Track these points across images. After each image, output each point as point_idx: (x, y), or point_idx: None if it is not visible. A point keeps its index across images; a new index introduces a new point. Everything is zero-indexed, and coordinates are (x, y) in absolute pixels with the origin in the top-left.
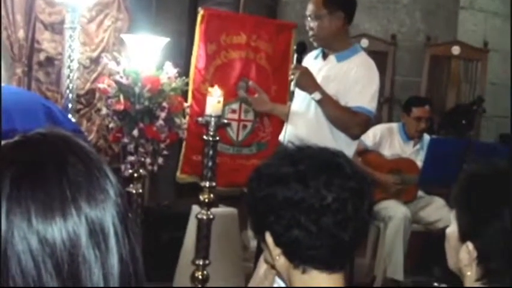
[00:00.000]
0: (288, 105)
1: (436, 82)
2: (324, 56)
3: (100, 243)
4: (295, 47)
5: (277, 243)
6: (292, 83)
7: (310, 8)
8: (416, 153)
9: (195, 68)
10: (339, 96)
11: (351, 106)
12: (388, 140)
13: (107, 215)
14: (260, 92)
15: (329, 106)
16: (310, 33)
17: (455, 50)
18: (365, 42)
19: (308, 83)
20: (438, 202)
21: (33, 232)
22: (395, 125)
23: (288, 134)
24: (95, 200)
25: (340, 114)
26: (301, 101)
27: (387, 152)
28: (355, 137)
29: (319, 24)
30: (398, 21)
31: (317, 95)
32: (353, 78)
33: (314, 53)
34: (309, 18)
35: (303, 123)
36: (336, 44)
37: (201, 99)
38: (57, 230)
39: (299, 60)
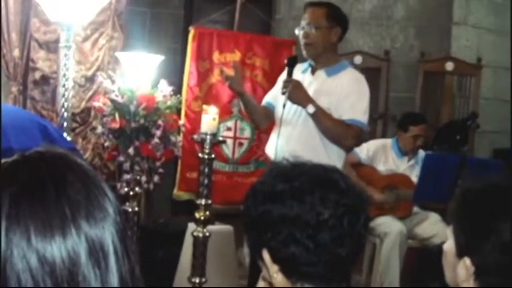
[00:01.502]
0: (279, 118)
1: (430, 98)
2: (313, 71)
3: (100, 262)
4: (285, 61)
5: (275, 260)
6: (285, 96)
7: (309, 17)
8: (411, 169)
9: (186, 86)
10: (332, 110)
11: (345, 119)
12: (382, 155)
13: (107, 233)
14: (238, 71)
15: (323, 119)
16: (305, 41)
17: (449, 65)
18: (358, 59)
19: (301, 96)
20: (434, 218)
21: (32, 251)
22: (388, 141)
23: (279, 150)
24: (95, 219)
25: (334, 126)
26: (292, 115)
27: (381, 167)
28: (349, 149)
29: (316, 34)
30: (391, 38)
31: (311, 108)
32: (345, 92)
33: (301, 66)
34: (306, 27)
35: (295, 137)
36: (326, 58)
37: (192, 116)
38: (56, 249)
39: (290, 74)
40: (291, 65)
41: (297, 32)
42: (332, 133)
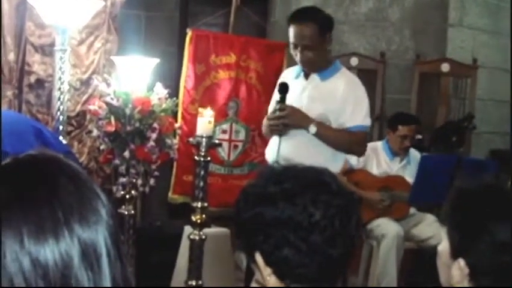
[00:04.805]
0: None
1: (426, 99)
2: (306, 75)
3: (93, 264)
4: (277, 88)
5: (268, 262)
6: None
7: (299, 37)
8: (403, 169)
9: (183, 88)
10: (330, 116)
11: (349, 127)
12: (374, 159)
13: (100, 236)
14: None
15: (327, 134)
16: (302, 60)
17: (445, 67)
18: (354, 61)
19: (300, 119)
20: (430, 219)
21: (25, 254)
22: (379, 143)
23: (274, 154)
24: (87, 221)
25: (339, 138)
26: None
27: (375, 171)
28: (361, 155)
29: (313, 53)
30: (387, 39)
31: (313, 128)
32: (342, 99)
33: (293, 70)
34: (299, 48)
35: (287, 142)
36: (320, 62)
37: (189, 119)
38: (49, 252)
39: (283, 100)
40: (283, 91)
41: (292, 52)
42: (339, 145)
